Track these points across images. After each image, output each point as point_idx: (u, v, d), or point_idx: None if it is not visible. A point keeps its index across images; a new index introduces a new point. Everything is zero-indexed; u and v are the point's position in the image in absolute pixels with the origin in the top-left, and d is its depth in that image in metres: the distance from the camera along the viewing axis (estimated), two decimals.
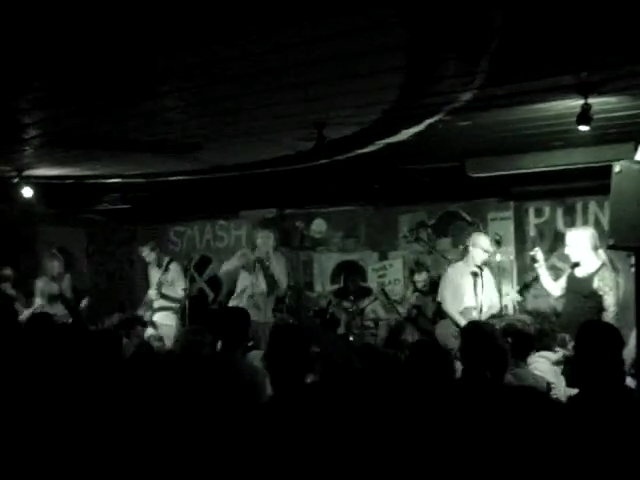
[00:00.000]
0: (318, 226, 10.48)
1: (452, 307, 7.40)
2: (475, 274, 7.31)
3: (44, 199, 8.83)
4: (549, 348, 5.27)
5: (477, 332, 4.43)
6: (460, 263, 7.63)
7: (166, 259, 8.95)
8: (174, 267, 8.88)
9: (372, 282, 9.93)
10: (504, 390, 3.62)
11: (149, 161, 7.53)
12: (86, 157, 7.25)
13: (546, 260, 7.14)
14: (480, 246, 7.37)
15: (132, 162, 7.60)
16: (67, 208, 10.17)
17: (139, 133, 6.28)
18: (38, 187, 8.18)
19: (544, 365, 5.10)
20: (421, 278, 8.92)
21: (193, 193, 9.90)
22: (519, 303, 8.17)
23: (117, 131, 6.20)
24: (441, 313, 8.41)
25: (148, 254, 8.97)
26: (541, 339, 5.32)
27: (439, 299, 7.70)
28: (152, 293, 8.69)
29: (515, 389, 3.39)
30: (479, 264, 7.30)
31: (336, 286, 9.74)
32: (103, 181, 8.72)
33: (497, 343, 4.18)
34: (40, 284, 8.82)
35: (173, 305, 8.73)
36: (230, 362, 4.84)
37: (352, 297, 8.81)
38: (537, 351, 5.24)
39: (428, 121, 5.86)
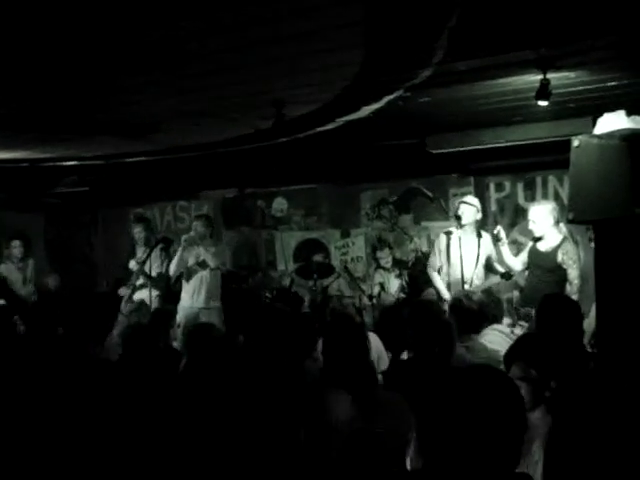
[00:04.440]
0: (279, 204, 10.45)
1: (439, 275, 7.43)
2: (448, 232, 7.20)
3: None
4: (495, 320, 5.30)
5: (422, 310, 4.48)
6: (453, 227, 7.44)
7: (153, 240, 8.82)
8: (157, 248, 8.75)
9: (335, 260, 9.94)
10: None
11: (107, 143, 7.41)
12: (42, 140, 7.11)
13: (507, 235, 7.19)
14: (467, 202, 7.34)
15: (89, 144, 7.47)
16: (24, 192, 10.00)
17: (96, 114, 6.17)
18: None
19: (496, 337, 5.11)
20: (384, 255, 8.94)
21: (153, 174, 9.79)
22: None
23: (72, 113, 6.08)
24: (403, 289, 8.47)
25: (140, 232, 8.82)
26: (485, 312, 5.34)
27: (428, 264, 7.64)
28: (133, 264, 8.56)
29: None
30: (471, 223, 7.25)
31: (299, 264, 9.71)
32: (60, 164, 8.57)
33: (441, 319, 4.22)
34: (3, 270, 8.72)
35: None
36: None
37: (315, 275, 8.79)
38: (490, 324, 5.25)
39: (388, 98, 5.84)
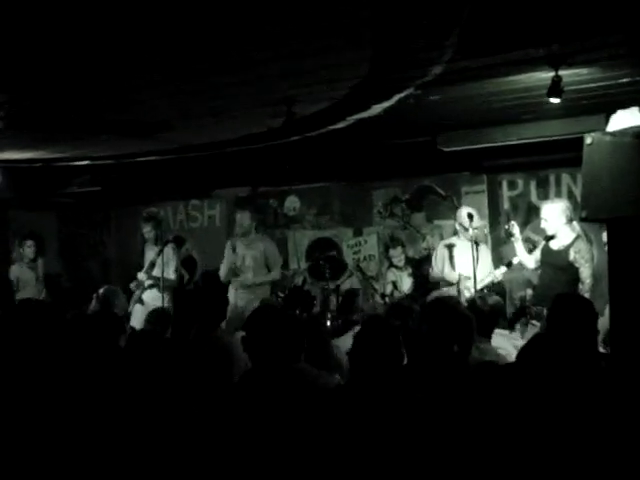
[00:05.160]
0: (292, 203, 10.44)
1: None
2: (450, 245, 7.37)
3: (13, 184, 8.71)
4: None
5: (440, 306, 4.41)
6: (453, 237, 7.79)
7: (162, 239, 8.82)
8: (169, 248, 8.75)
9: (347, 258, 9.91)
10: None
11: (119, 142, 7.42)
12: (54, 140, 7.13)
13: (521, 233, 7.15)
14: (457, 220, 7.48)
15: (102, 144, 7.49)
16: (37, 192, 10.03)
17: (107, 114, 6.18)
18: (6, 172, 8.06)
19: (502, 340, 5.06)
20: (396, 253, 8.91)
21: (165, 173, 9.80)
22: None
23: (84, 112, 6.08)
24: (417, 287, 8.44)
25: (149, 231, 8.84)
26: None
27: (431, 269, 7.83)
28: (141, 275, 8.60)
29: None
30: (470, 238, 7.35)
31: (311, 263, 9.70)
32: (72, 164, 8.59)
33: (460, 314, 4.15)
34: (15, 270, 8.74)
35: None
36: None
37: (327, 274, 8.77)
38: None
39: (399, 96, 5.81)
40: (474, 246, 7.21)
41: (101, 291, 6.66)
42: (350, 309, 7.39)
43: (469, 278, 7.12)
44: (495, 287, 7.43)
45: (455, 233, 7.77)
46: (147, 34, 4.07)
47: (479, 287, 7.03)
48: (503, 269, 7.23)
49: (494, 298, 5.12)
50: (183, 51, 4.42)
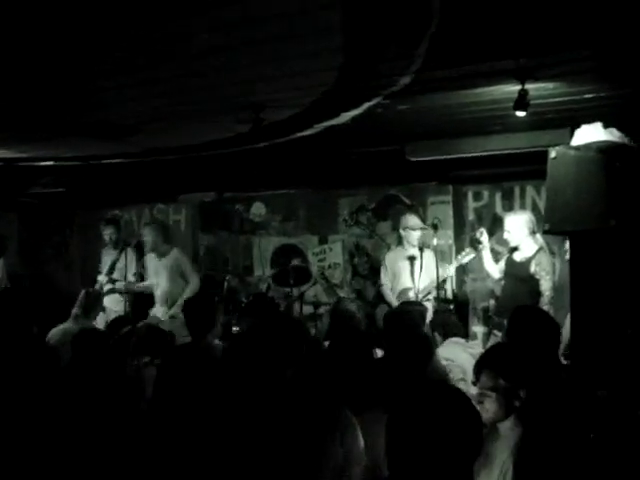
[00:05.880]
0: (257, 209, 10.39)
1: (390, 291, 7.57)
2: (412, 257, 7.45)
3: None
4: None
5: (398, 320, 4.43)
6: (398, 248, 7.88)
7: (122, 243, 8.79)
8: (129, 251, 8.71)
9: (312, 266, 9.89)
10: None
11: (84, 144, 7.34)
12: (17, 139, 7.04)
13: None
14: (410, 227, 7.55)
15: (67, 145, 7.40)
16: None
17: (73, 115, 6.11)
18: None
19: (455, 349, 5.07)
20: (361, 262, 8.93)
21: (131, 177, 9.72)
22: (458, 286, 8.26)
23: (50, 113, 6.01)
24: (381, 296, 8.50)
25: (111, 233, 8.79)
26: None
27: (380, 283, 7.88)
28: (102, 278, 8.54)
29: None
30: (416, 244, 7.48)
31: (275, 270, 9.67)
32: (36, 164, 8.48)
33: (417, 331, 4.17)
34: None
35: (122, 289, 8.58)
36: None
37: (292, 281, 8.76)
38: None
39: (367, 104, 5.83)
40: (416, 256, 7.54)
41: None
42: None
43: (411, 289, 7.43)
44: (460, 297, 7.54)
45: (400, 242, 7.90)
46: (117, 36, 4.04)
47: (422, 295, 7.21)
48: (452, 268, 7.54)
49: (416, 307, 5.19)
50: (152, 54, 4.39)
